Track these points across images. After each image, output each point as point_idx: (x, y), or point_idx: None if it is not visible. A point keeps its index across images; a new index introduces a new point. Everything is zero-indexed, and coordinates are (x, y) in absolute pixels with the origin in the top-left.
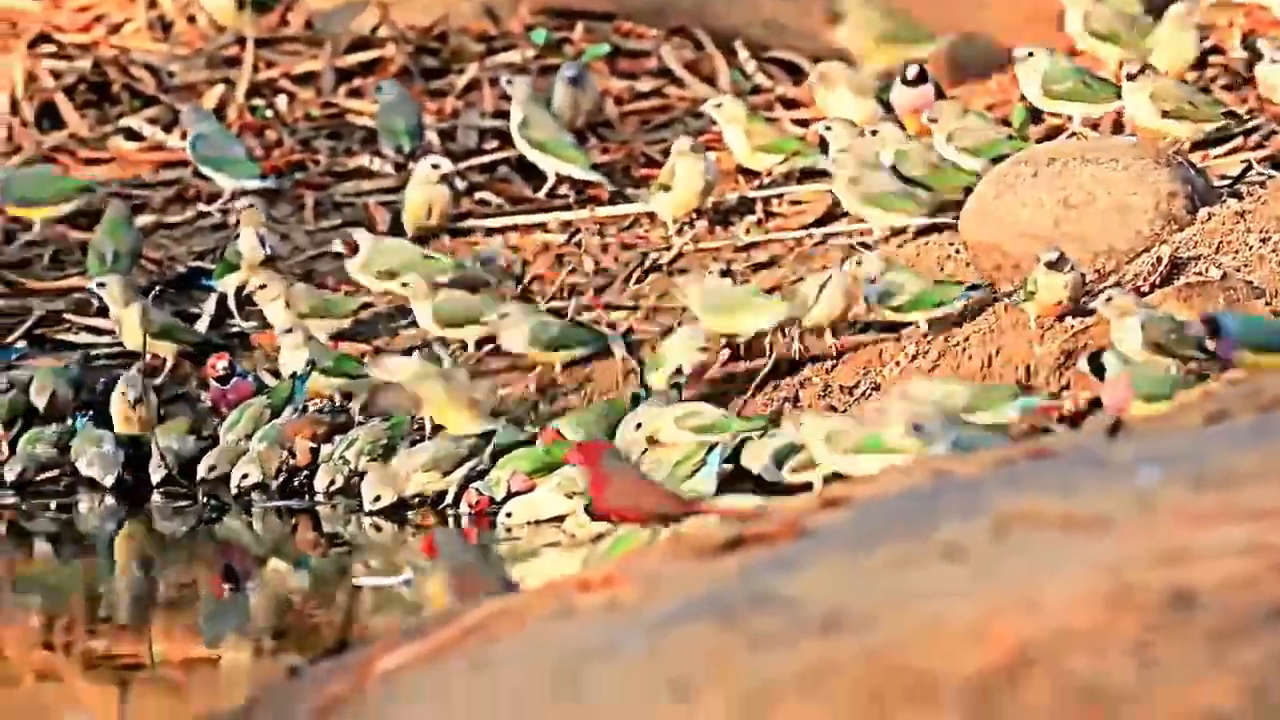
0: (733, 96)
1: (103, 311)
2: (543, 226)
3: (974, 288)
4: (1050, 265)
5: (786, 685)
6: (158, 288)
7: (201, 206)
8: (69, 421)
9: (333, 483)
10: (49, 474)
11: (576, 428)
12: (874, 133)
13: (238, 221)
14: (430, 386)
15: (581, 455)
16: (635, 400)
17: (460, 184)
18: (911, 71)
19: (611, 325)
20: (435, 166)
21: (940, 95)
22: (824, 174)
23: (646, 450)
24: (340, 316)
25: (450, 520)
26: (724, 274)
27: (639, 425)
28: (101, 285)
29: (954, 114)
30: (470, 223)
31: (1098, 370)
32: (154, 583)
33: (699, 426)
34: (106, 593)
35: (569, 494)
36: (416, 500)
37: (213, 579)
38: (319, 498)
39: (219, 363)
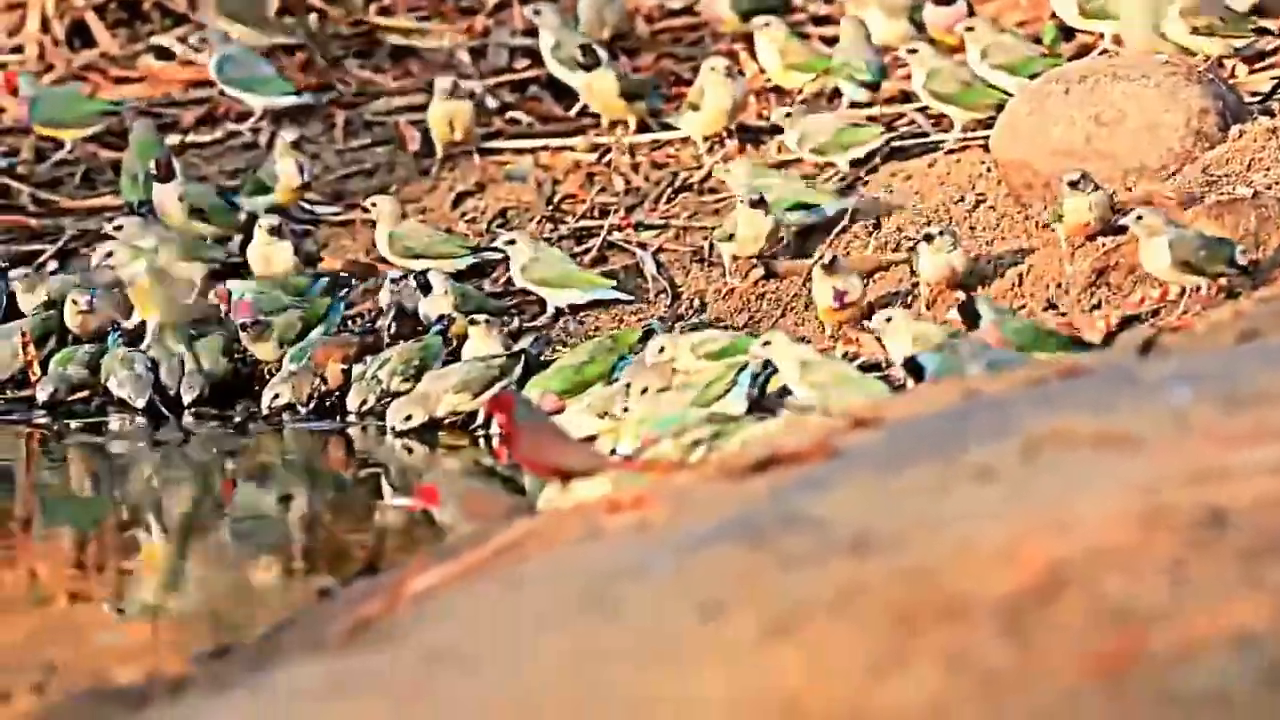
0: (770, 18)
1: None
2: (572, 147)
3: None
4: (1072, 185)
5: (816, 605)
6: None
7: (231, 125)
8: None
9: (364, 403)
10: (80, 394)
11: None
12: (911, 51)
13: (269, 141)
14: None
15: (494, 406)
16: (647, 335)
17: (491, 102)
18: None
19: (642, 245)
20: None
21: (971, 12)
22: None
23: (676, 373)
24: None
25: (481, 441)
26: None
27: (662, 349)
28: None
29: (987, 31)
30: (500, 143)
31: (971, 317)
32: (185, 504)
33: (714, 353)
34: (138, 514)
35: (600, 414)
36: (447, 420)
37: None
38: (351, 418)
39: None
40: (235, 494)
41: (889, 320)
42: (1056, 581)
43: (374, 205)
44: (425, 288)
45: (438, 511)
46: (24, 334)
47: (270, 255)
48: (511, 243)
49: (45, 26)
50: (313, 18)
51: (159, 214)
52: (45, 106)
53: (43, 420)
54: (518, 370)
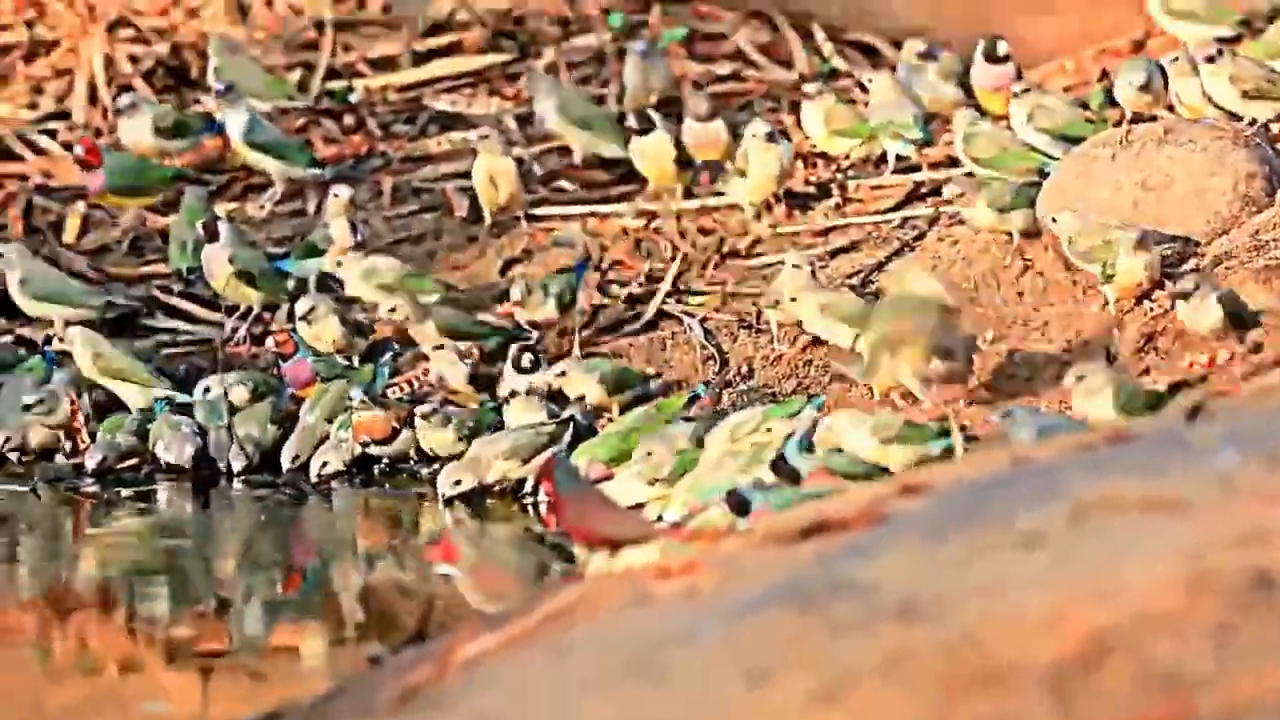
0: (823, 84)
1: (187, 296)
2: (620, 213)
3: None
4: (1135, 246)
5: (863, 672)
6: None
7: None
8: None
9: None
10: (129, 462)
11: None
12: (949, 116)
13: (317, 208)
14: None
15: (542, 474)
16: (691, 401)
17: (537, 169)
18: (996, 48)
19: (689, 313)
20: (484, 137)
21: (1019, 75)
22: (900, 158)
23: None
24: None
25: (530, 509)
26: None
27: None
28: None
29: (1034, 94)
30: (547, 209)
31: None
32: (235, 571)
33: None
34: (187, 582)
35: (649, 481)
36: (496, 487)
37: (290, 568)
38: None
39: (281, 337)
40: (284, 560)
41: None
42: (1102, 648)
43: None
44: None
45: (453, 570)
46: (72, 401)
47: (319, 333)
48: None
49: (93, 93)
50: (360, 84)
51: (207, 277)
52: (117, 174)
53: (92, 488)
54: (567, 437)
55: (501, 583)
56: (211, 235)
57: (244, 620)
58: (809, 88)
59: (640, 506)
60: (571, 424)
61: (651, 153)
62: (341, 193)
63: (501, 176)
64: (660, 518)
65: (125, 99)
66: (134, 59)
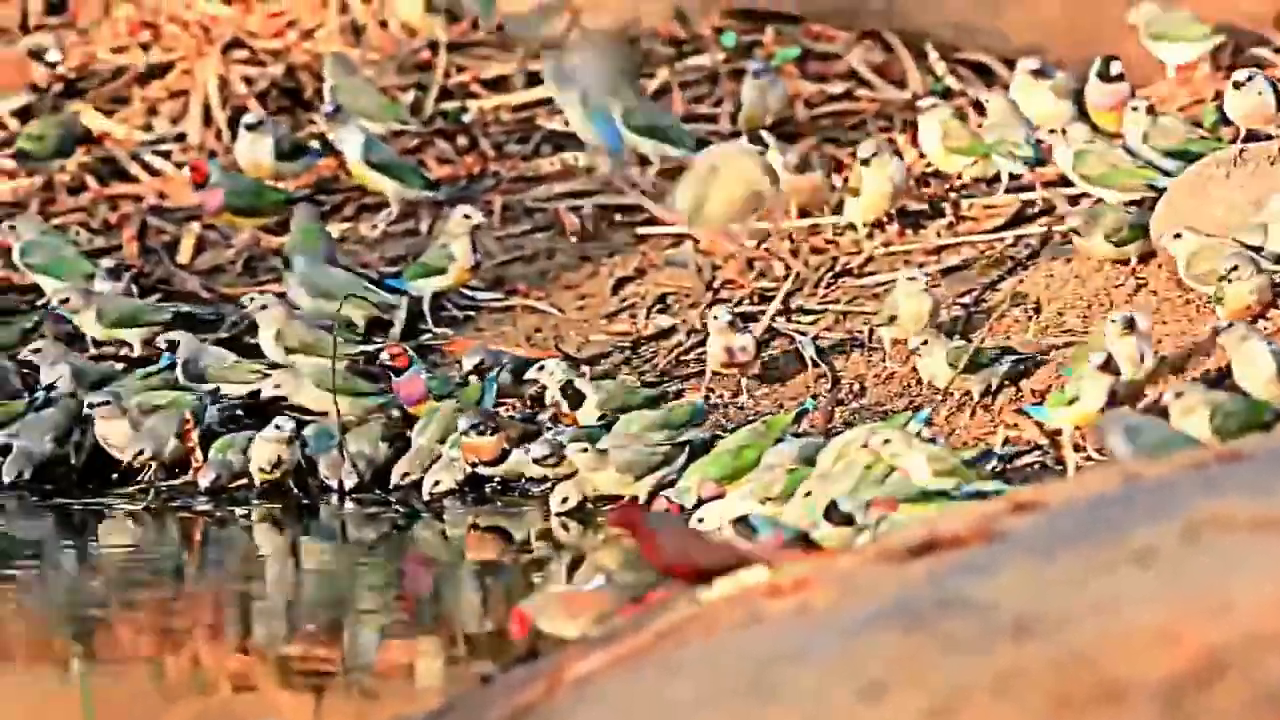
0: (936, 100)
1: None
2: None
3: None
4: (1232, 272)
5: (976, 689)
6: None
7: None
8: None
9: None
10: (241, 480)
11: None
12: (1062, 132)
13: (430, 229)
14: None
15: (620, 520)
16: (800, 417)
17: (651, 187)
18: (1110, 67)
19: (801, 331)
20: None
21: (1133, 94)
22: (1014, 176)
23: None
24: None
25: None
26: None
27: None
28: (263, 308)
29: (1150, 113)
30: (660, 228)
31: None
32: (347, 589)
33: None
34: (299, 599)
35: (762, 499)
36: (607, 505)
37: (403, 586)
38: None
39: (394, 351)
40: (396, 578)
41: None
42: (1215, 665)
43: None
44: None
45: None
46: (186, 419)
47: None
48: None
49: (207, 114)
50: (473, 105)
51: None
52: (235, 195)
53: (205, 507)
54: (681, 459)
55: (593, 604)
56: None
57: (356, 638)
58: (922, 102)
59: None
60: (687, 448)
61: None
62: (472, 214)
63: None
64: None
65: (251, 118)
66: (248, 80)
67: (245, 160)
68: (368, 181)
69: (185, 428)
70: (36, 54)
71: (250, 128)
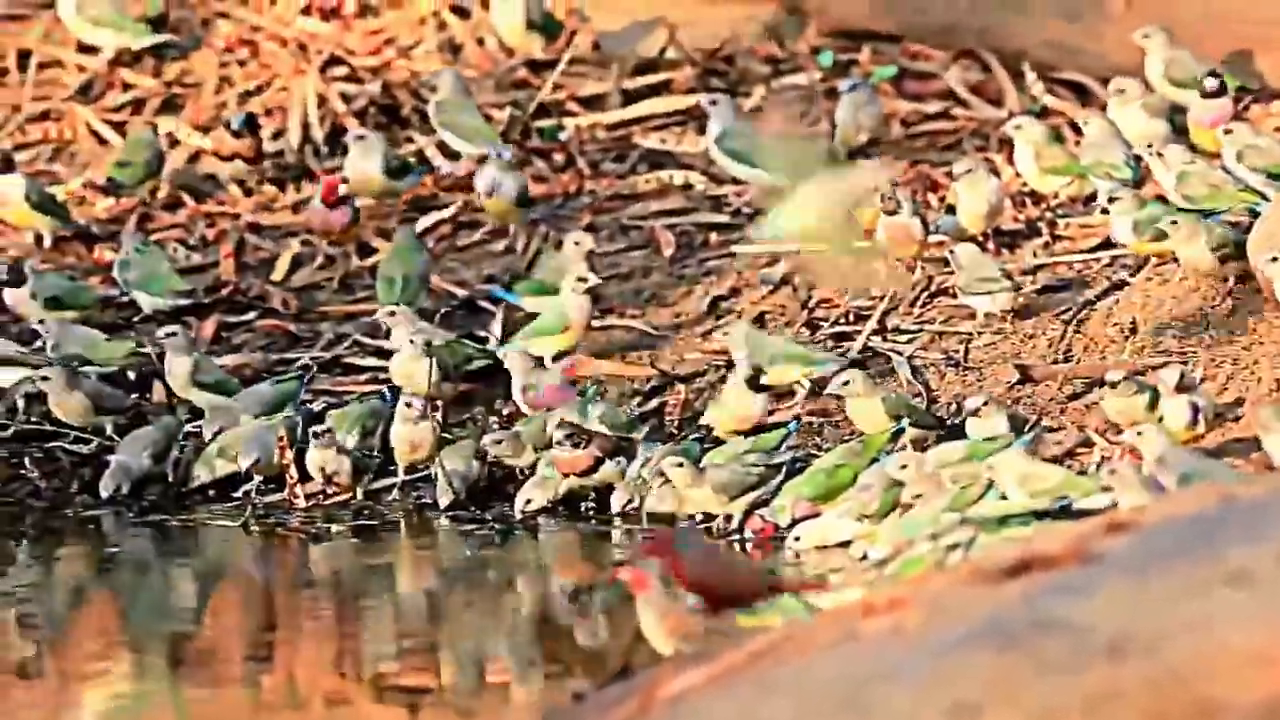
0: (1023, 119)
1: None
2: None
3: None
4: None
5: (1070, 710)
6: (441, 311)
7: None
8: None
9: (629, 502)
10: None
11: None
12: (1158, 154)
13: (525, 246)
14: None
15: (652, 551)
16: (896, 435)
17: (745, 207)
18: (1211, 84)
19: (896, 350)
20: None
21: (1235, 112)
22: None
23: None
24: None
25: (737, 544)
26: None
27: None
28: (391, 314)
29: (1246, 133)
30: (754, 246)
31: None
32: (443, 607)
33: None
34: (395, 618)
35: (858, 517)
36: (700, 522)
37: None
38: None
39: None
40: (492, 595)
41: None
42: None
43: None
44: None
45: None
46: (281, 437)
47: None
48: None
49: (305, 131)
50: (570, 122)
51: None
52: (359, 215)
53: (300, 523)
54: (776, 480)
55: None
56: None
57: (452, 656)
58: (1011, 121)
59: (847, 544)
60: (784, 469)
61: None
62: (583, 241)
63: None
64: (865, 556)
65: (357, 133)
66: (346, 98)
67: (354, 175)
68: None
69: (280, 445)
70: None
71: (359, 140)
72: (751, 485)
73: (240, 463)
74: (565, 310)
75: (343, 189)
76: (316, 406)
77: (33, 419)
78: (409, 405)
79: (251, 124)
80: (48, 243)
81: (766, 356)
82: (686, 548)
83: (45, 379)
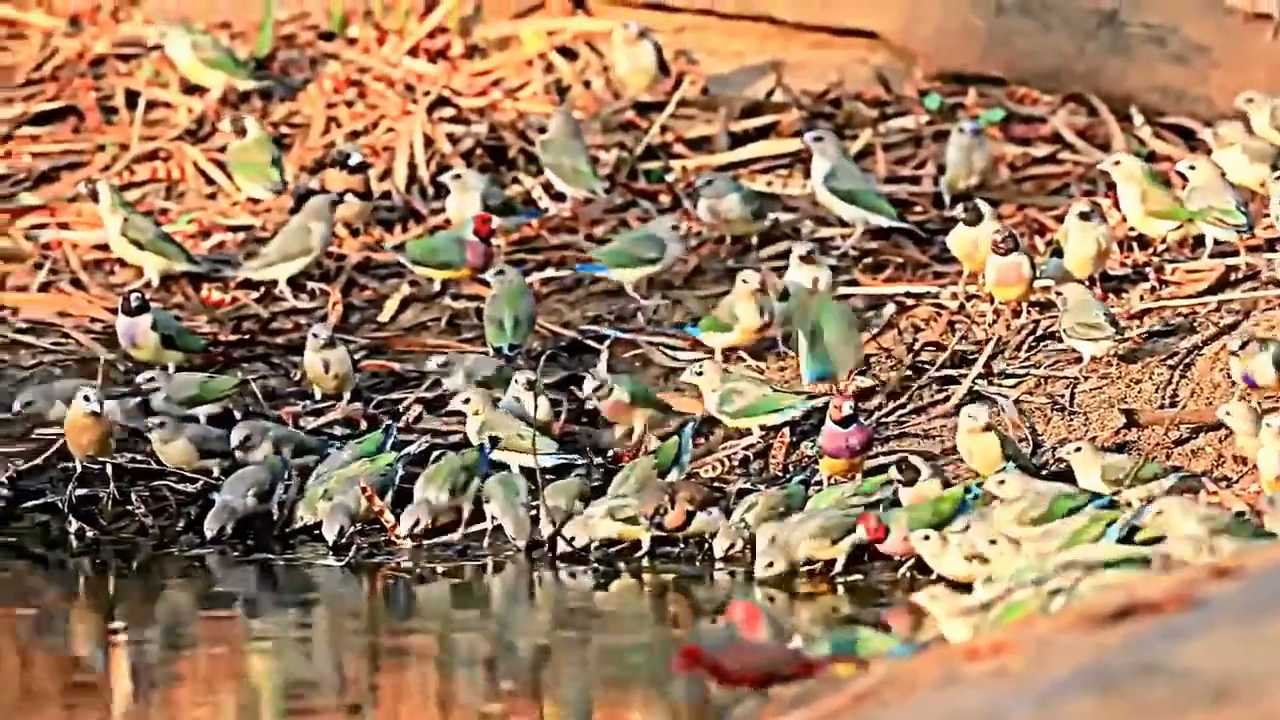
0: (1121, 157)
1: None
2: (934, 294)
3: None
4: None
5: None
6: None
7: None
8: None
9: (732, 546)
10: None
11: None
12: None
13: (636, 287)
14: None
15: (684, 663)
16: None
17: (851, 250)
18: None
19: (1002, 394)
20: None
21: None
22: (1218, 241)
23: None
24: None
25: (839, 588)
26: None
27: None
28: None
29: None
30: (860, 289)
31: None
32: (544, 646)
33: (1036, 519)
34: (499, 656)
35: (968, 557)
36: (805, 568)
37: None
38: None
39: (845, 404)
40: (591, 638)
41: (1078, 450)
42: None
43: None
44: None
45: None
46: (364, 488)
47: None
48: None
49: (412, 172)
50: (676, 165)
51: (127, 347)
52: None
53: (406, 562)
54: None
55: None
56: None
57: (555, 692)
58: (1108, 159)
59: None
60: (881, 507)
61: (971, 242)
62: (750, 279)
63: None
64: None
65: (454, 172)
66: (453, 138)
67: (454, 214)
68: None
69: (366, 495)
70: (339, 160)
71: (456, 179)
72: (851, 528)
73: (326, 534)
74: (734, 309)
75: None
76: (420, 446)
77: (138, 457)
78: (315, 336)
79: (361, 162)
80: (155, 282)
81: (732, 400)
82: (717, 648)
83: (157, 426)
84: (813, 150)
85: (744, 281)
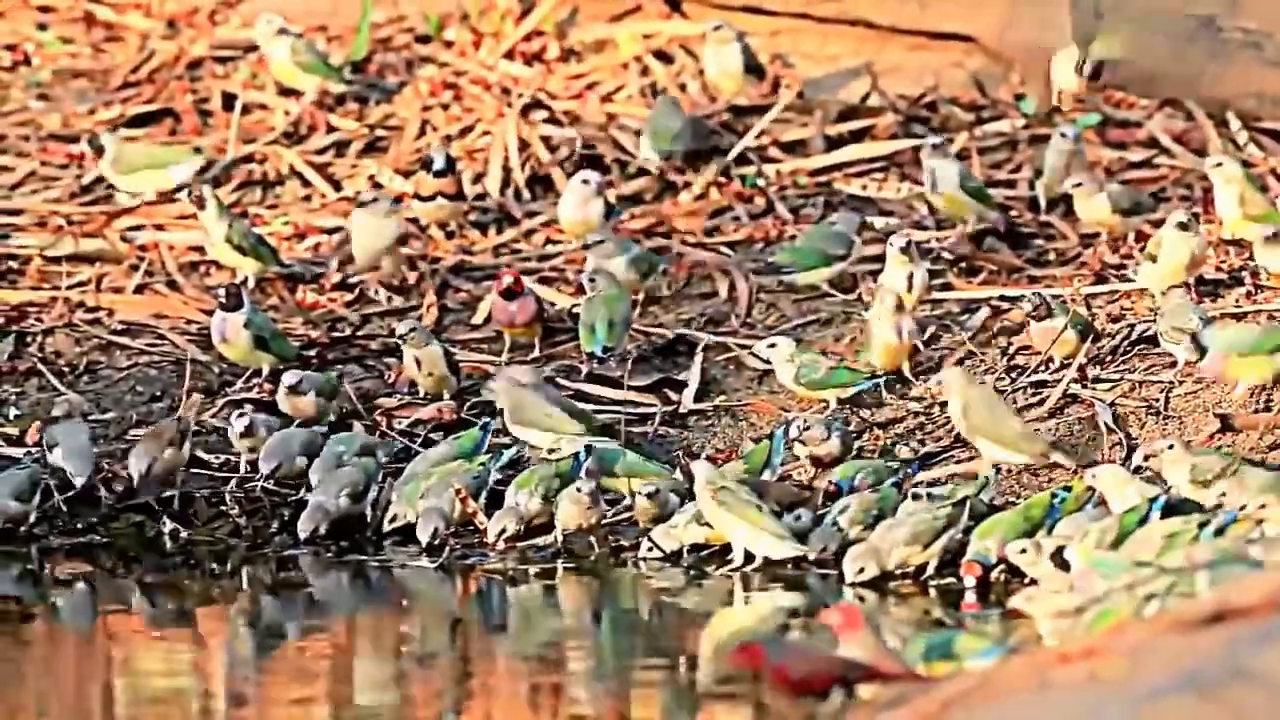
0: (1222, 159)
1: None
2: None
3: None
4: None
5: None
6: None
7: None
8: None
9: (825, 549)
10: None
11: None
12: None
13: (732, 289)
14: None
15: (745, 658)
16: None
17: (946, 254)
18: None
19: (1098, 398)
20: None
21: None
22: None
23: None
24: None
25: (931, 591)
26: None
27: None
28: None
29: None
30: (949, 294)
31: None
32: (632, 647)
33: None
34: (586, 656)
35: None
36: (898, 571)
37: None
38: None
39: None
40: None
41: (1170, 448)
42: None
43: None
44: None
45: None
46: (459, 490)
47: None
48: None
49: (506, 176)
50: (771, 168)
51: (219, 345)
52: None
53: (495, 564)
54: (964, 519)
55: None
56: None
57: (646, 696)
58: (1210, 160)
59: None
60: (967, 505)
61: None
62: (888, 300)
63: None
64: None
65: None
66: (547, 141)
67: (575, 219)
68: None
69: (460, 497)
70: (426, 164)
71: (585, 183)
72: (941, 529)
73: (420, 535)
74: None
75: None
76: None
77: (233, 458)
78: (413, 331)
79: (450, 164)
80: (251, 284)
81: (810, 372)
82: (781, 653)
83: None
84: (932, 156)
85: (884, 301)
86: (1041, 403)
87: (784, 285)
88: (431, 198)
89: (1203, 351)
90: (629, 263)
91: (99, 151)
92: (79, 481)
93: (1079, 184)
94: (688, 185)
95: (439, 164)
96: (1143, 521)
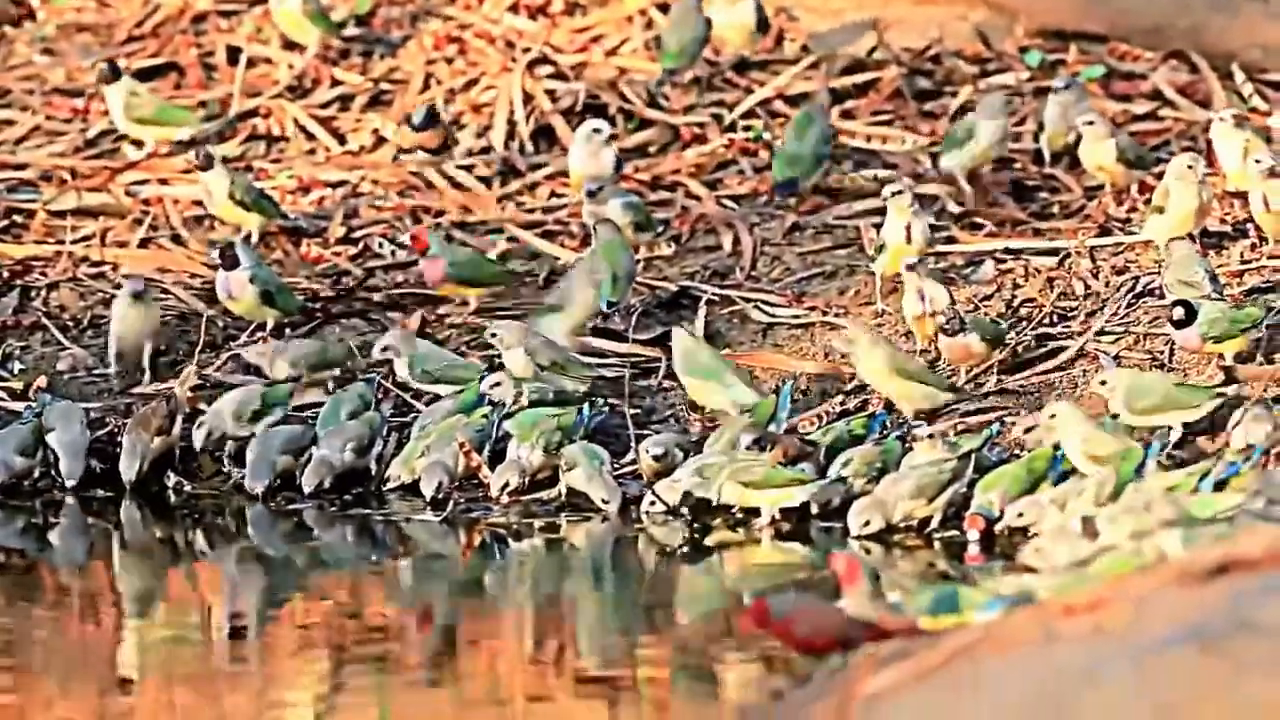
0: (1225, 114)
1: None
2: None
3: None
4: None
5: (1272, 710)
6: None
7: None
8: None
9: (829, 504)
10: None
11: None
12: None
13: (736, 243)
14: None
15: (753, 619)
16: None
17: (953, 206)
18: None
19: (1102, 351)
20: (898, 193)
21: None
22: None
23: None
24: None
25: (936, 544)
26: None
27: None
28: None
29: None
30: (957, 247)
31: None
32: (637, 601)
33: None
34: (590, 611)
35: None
36: (902, 524)
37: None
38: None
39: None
40: (688, 593)
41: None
42: None
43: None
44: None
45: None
46: (463, 444)
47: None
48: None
49: (511, 129)
50: (775, 122)
51: (225, 301)
52: (455, 265)
53: (499, 519)
54: (968, 473)
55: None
56: (232, 262)
57: (651, 651)
58: (1218, 114)
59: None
60: (972, 459)
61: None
62: (920, 275)
63: (914, 229)
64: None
65: (595, 124)
66: (552, 95)
67: (587, 170)
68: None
69: (464, 451)
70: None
71: (596, 131)
72: (946, 483)
73: (424, 489)
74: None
75: (434, 248)
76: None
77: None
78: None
79: (433, 118)
80: (255, 239)
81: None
82: (786, 611)
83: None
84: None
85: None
86: (1048, 355)
87: (788, 210)
88: (410, 151)
89: (1192, 317)
90: (624, 207)
91: (113, 74)
92: (71, 483)
93: (1091, 122)
94: (697, 140)
95: (418, 118)
96: (1139, 470)
